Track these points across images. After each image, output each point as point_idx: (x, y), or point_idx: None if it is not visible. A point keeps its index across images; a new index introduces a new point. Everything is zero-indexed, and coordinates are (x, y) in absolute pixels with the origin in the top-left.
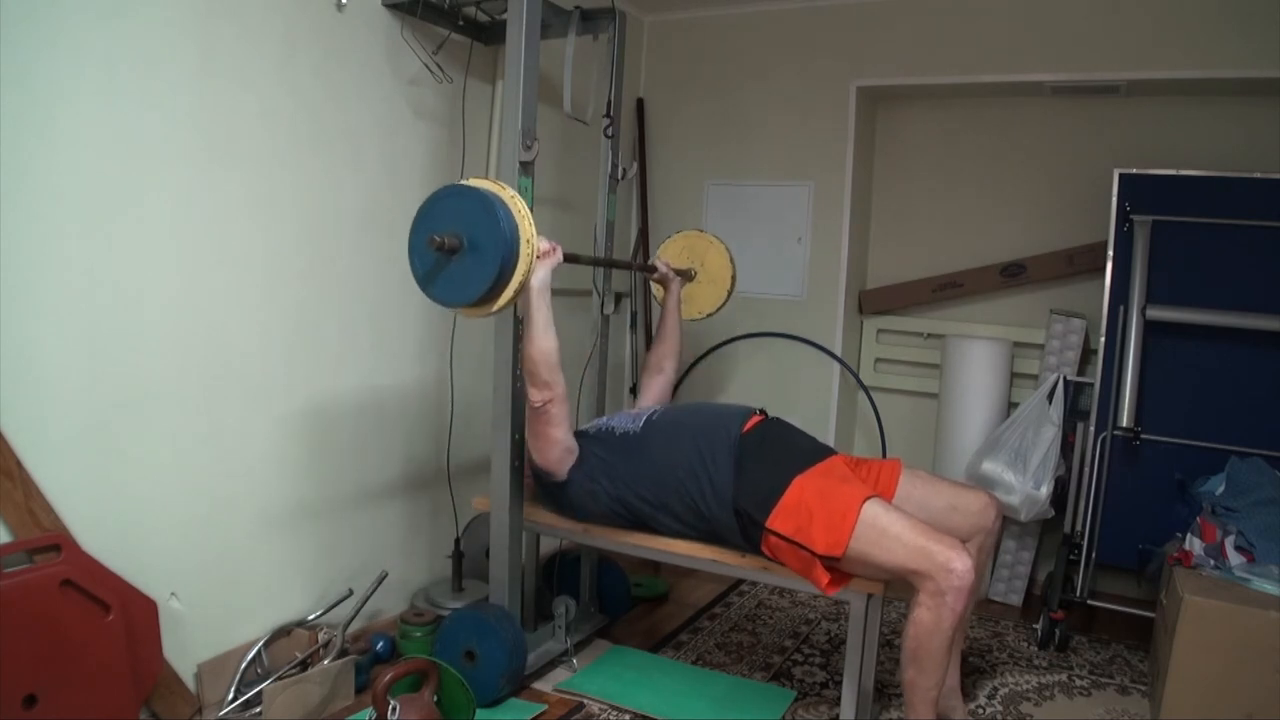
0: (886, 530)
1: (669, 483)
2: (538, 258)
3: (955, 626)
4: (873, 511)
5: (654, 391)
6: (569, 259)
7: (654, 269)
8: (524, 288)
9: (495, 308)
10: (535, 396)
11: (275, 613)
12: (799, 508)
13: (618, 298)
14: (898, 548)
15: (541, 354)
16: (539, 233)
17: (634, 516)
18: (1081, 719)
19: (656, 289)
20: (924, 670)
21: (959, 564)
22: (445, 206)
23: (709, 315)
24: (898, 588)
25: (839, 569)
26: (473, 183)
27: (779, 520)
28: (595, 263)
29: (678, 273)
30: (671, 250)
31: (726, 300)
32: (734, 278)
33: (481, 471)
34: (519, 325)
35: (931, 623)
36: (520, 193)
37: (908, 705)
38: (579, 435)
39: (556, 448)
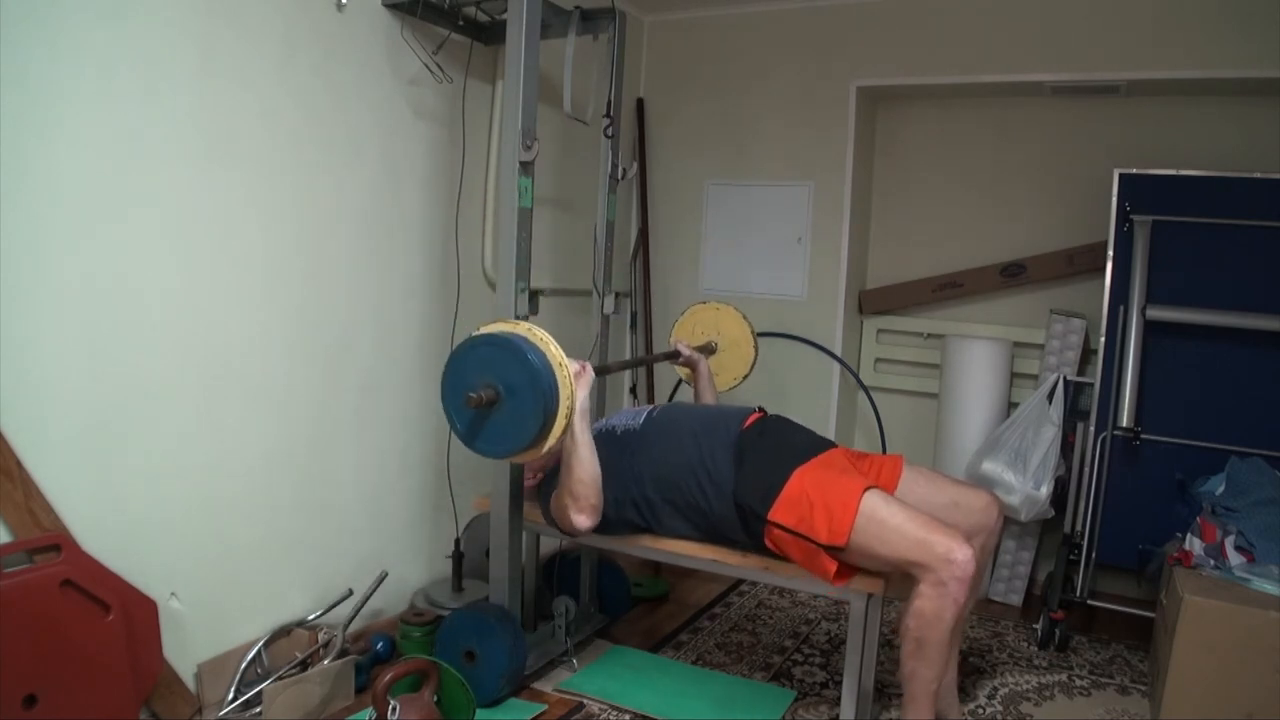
0: (886, 522)
1: (671, 478)
2: (573, 379)
3: (957, 616)
4: (872, 503)
5: None
6: (600, 372)
7: (678, 354)
8: (572, 412)
9: (549, 443)
10: (583, 523)
11: (275, 613)
12: (800, 499)
13: (617, 297)
14: (898, 540)
15: (593, 478)
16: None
17: (639, 517)
18: (1081, 719)
19: (684, 373)
20: (926, 660)
21: (959, 554)
22: (469, 360)
23: (746, 377)
24: (898, 587)
25: (843, 560)
26: (484, 329)
27: (780, 512)
28: (624, 366)
29: (699, 349)
30: (684, 331)
31: (755, 357)
32: (754, 333)
33: (481, 471)
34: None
35: (933, 613)
36: (520, 192)
37: (908, 698)
38: None
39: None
